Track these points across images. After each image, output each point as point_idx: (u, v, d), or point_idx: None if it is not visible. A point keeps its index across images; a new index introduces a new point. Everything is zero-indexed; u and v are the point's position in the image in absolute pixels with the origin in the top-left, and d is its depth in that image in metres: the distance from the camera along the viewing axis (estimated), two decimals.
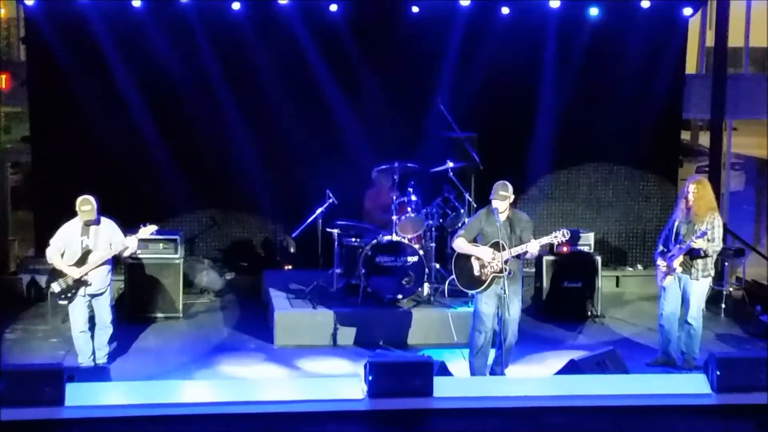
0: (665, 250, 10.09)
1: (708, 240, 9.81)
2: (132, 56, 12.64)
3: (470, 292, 9.45)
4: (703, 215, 9.92)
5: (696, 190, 9.95)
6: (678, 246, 9.92)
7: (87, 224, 9.63)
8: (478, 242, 9.30)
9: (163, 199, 12.81)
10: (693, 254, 9.90)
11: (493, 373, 9.41)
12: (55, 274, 9.70)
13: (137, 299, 11.75)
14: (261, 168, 13.14)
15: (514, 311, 9.24)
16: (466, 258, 9.31)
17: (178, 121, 12.87)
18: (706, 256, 9.90)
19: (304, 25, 12.82)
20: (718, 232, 9.95)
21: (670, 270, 9.98)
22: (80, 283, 9.62)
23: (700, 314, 10.11)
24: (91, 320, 9.82)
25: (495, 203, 9.20)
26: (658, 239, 10.40)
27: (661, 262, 10.10)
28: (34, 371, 6.75)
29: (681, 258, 9.92)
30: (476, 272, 9.26)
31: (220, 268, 13.03)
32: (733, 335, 11.62)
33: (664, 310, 10.20)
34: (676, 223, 10.08)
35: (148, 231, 9.87)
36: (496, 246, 9.16)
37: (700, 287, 10.04)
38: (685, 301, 10.08)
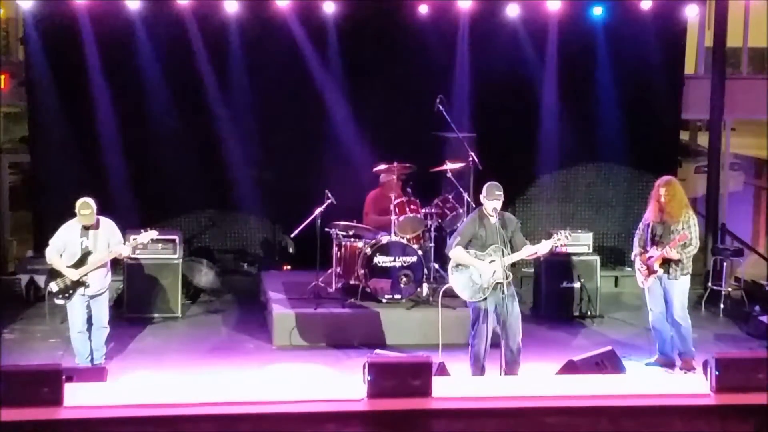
0: (643, 251, 10.09)
1: (686, 244, 9.84)
2: (130, 56, 12.64)
3: (471, 300, 9.33)
4: (677, 215, 9.95)
5: (667, 192, 9.97)
6: (655, 248, 9.94)
7: (86, 228, 9.63)
8: (468, 249, 9.27)
9: (161, 200, 12.80)
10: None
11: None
12: (54, 273, 9.70)
13: (136, 299, 11.75)
14: (260, 168, 13.15)
15: (515, 310, 9.20)
16: (465, 266, 9.28)
17: (176, 121, 12.88)
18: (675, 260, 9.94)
19: (303, 26, 12.82)
20: (695, 231, 9.97)
21: (652, 271, 9.98)
22: (79, 284, 9.62)
23: (686, 312, 10.14)
24: (89, 321, 9.81)
25: (494, 203, 9.16)
26: (632, 241, 10.40)
27: (640, 264, 10.10)
28: (32, 371, 6.74)
29: (660, 259, 9.93)
30: (477, 280, 9.22)
31: (219, 269, 13.02)
32: (731, 335, 11.62)
33: (652, 311, 10.22)
34: (651, 225, 10.08)
35: (147, 237, 9.87)
36: (497, 251, 9.13)
37: (680, 286, 10.05)
38: (667, 302, 10.08)
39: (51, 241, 9.74)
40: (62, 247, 9.67)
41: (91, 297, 9.72)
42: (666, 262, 9.94)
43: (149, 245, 11.61)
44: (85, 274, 9.61)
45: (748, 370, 6.97)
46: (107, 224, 9.79)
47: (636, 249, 10.21)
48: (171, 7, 12.52)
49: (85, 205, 9.57)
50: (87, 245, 9.64)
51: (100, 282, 9.74)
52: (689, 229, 9.91)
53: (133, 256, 11.27)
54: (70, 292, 9.65)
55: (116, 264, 10.43)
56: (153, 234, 9.87)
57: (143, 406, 6.60)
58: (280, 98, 12.99)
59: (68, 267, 9.61)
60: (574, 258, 12.29)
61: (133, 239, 9.86)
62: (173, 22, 12.60)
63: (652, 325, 10.26)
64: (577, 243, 12.23)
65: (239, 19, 12.71)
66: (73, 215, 9.73)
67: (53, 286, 9.68)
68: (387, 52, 12.99)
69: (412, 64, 13.02)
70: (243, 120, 13.01)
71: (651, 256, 9.96)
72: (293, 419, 6.61)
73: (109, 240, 9.71)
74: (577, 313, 12.17)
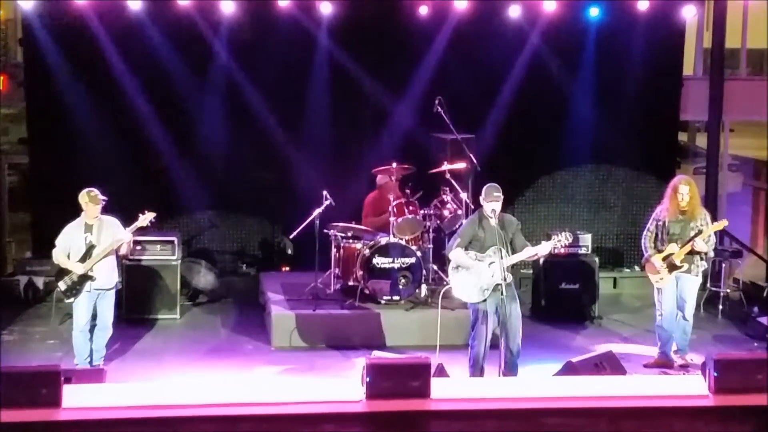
0: (657, 252, 10.10)
1: (706, 240, 9.98)
2: (129, 57, 12.64)
3: (470, 302, 9.31)
4: (698, 213, 10.08)
5: (689, 191, 10.06)
6: (674, 244, 9.98)
7: (92, 216, 9.66)
8: (468, 250, 9.25)
9: (160, 201, 12.75)
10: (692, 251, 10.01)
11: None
12: (61, 273, 9.77)
13: (135, 300, 11.75)
14: (259, 169, 13.14)
15: (515, 312, 9.18)
16: (464, 268, 9.26)
17: (175, 121, 12.88)
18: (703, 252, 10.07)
19: (303, 26, 12.82)
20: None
21: (674, 268, 10.00)
22: (85, 278, 9.69)
23: (693, 311, 10.25)
24: (93, 319, 9.84)
25: (493, 205, 9.15)
26: (642, 243, 10.38)
27: (660, 263, 10.08)
28: (31, 373, 6.72)
29: (682, 255, 9.96)
30: (477, 282, 9.18)
31: (218, 270, 13.01)
32: (730, 336, 11.63)
33: (663, 311, 10.21)
34: (666, 223, 10.11)
35: (146, 219, 9.89)
36: (496, 252, 9.11)
37: (697, 284, 10.21)
38: (682, 300, 10.12)
39: (56, 242, 9.81)
40: (67, 246, 9.74)
41: (99, 292, 9.74)
42: (687, 260, 10.00)
43: (148, 246, 11.68)
44: (91, 267, 9.66)
45: (747, 371, 6.96)
46: (110, 220, 9.87)
47: (650, 249, 10.21)
48: (173, 7, 12.49)
49: (89, 191, 9.66)
50: (91, 240, 9.71)
51: (108, 276, 9.79)
52: (707, 226, 10.03)
53: (132, 257, 11.31)
54: (78, 288, 9.70)
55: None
56: (151, 216, 9.88)
57: (142, 408, 6.60)
58: (279, 99, 12.98)
59: (75, 262, 9.68)
60: (573, 259, 12.30)
61: (141, 217, 9.87)
62: (174, 22, 12.58)
63: (659, 325, 10.26)
64: (576, 244, 12.24)
65: (237, 20, 12.70)
66: (73, 217, 9.78)
67: (61, 285, 9.74)
68: (386, 52, 12.98)
69: (411, 64, 13.02)
70: (242, 121, 13.00)
71: (671, 253, 9.99)
72: (292, 420, 6.60)
73: (113, 234, 9.78)
74: (576, 314, 12.16)
